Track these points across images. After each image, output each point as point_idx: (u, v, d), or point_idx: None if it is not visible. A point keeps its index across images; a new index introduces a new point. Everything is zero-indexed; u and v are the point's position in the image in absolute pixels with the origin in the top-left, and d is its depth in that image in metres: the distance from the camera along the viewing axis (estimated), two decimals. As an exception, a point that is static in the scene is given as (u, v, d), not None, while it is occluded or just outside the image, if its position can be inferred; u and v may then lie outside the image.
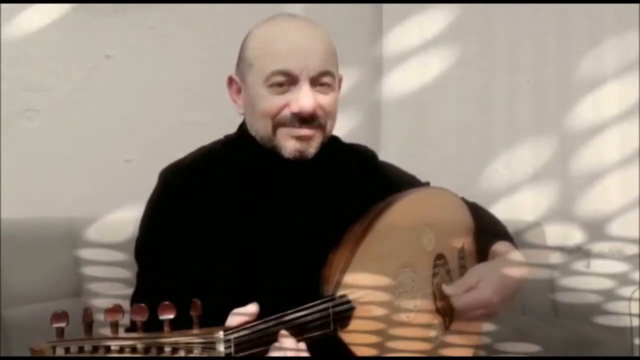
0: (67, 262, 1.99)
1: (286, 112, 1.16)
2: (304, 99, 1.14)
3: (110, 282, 1.89)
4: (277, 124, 1.17)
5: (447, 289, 1.24)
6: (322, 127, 1.19)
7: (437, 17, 2.67)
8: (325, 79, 1.18)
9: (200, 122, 2.38)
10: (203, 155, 1.25)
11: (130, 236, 1.87)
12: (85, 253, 1.97)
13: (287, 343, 0.99)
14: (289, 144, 1.17)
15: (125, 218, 1.93)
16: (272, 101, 1.16)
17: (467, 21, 2.70)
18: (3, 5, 2.12)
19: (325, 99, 1.18)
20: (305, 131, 1.17)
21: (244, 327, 0.97)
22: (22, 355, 1.74)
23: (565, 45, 2.61)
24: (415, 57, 2.72)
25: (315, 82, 1.17)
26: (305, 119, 1.16)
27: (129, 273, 1.83)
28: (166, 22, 2.44)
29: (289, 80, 1.15)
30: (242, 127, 1.27)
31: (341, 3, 2.77)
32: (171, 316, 0.91)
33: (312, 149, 1.19)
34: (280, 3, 2.01)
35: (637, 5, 2.40)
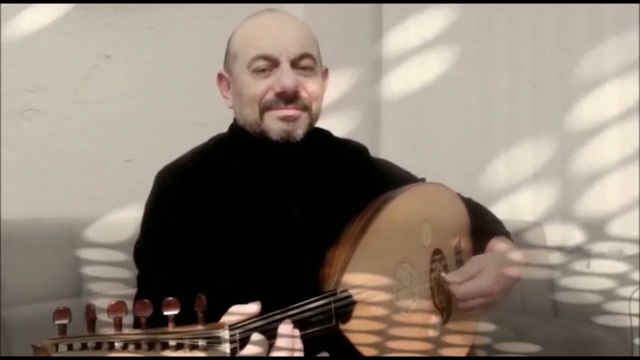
0: (67, 262, 1.99)
1: (270, 95, 1.20)
2: (286, 78, 1.19)
3: (110, 282, 1.89)
4: (264, 108, 1.21)
5: (448, 277, 1.25)
6: (307, 109, 1.23)
7: (437, 17, 2.67)
8: (306, 62, 1.22)
9: (200, 122, 2.38)
10: (196, 154, 1.28)
11: (131, 236, 1.88)
12: (85, 253, 1.97)
13: (283, 329, 0.99)
14: (276, 126, 1.21)
15: (125, 218, 1.93)
16: (256, 86, 1.21)
17: (467, 21, 2.70)
18: (3, 5, 2.12)
19: (307, 81, 1.22)
20: (290, 111, 1.20)
21: (249, 322, 0.97)
22: (22, 355, 1.75)
23: (565, 45, 2.62)
24: (415, 57, 2.72)
25: (295, 64, 1.21)
26: (290, 98, 1.20)
27: (129, 273, 1.84)
28: (166, 22, 2.44)
29: (270, 64, 1.20)
30: (232, 124, 1.31)
31: (341, 3, 2.77)
32: (175, 312, 0.91)
33: (299, 129, 1.22)
34: (281, 3, 2.01)
35: (637, 5, 2.40)
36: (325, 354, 1.09)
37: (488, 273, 1.24)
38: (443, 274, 1.26)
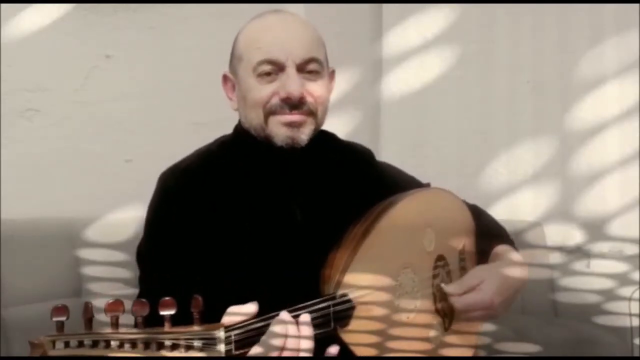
0: (67, 262, 1.99)
1: (275, 100, 1.18)
2: (291, 83, 1.16)
3: (110, 282, 1.89)
4: (268, 113, 1.19)
5: (448, 288, 1.24)
6: (312, 114, 1.20)
7: (437, 17, 2.68)
8: (312, 66, 1.20)
9: (200, 122, 2.38)
10: (199, 156, 1.26)
11: (130, 236, 1.89)
12: (85, 253, 1.97)
13: (284, 316, 1.00)
14: (280, 131, 1.19)
15: (125, 218, 1.94)
16: (261, 90, 1.18)
17: (467, 21, 2.70)
18: (3, 5, 2.12)
19: (313, 86, 1.20)
20: (295, 117, 1.18)
21: (245, 324, 0.96)
22: (22, 355, 1.75)
23: (565, 45, 2.62)
24: (415, 57, 2.72)
25: (301, 69, 1.19)
26: (295, 104, 1.17)
27: (128, 273, 1.84)
28: (166, 22, 2.44)
29: (276, 69, 1.18)
30: (237, 126, 1.29)
31: (341, 3, 2.77)
32: (172, 312, 0.91)
33: (304, 135, 1.19)
34: (281, 3, 2.02)
35: (637, 5, 2.40)
36: (335, 347, 1.07)
37: (489, 285, 1.22)
38: (443, 285, 1.25)
